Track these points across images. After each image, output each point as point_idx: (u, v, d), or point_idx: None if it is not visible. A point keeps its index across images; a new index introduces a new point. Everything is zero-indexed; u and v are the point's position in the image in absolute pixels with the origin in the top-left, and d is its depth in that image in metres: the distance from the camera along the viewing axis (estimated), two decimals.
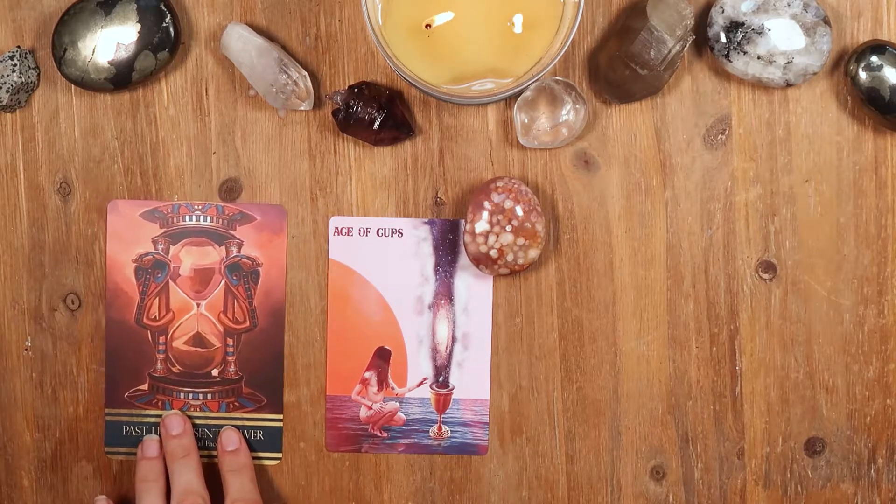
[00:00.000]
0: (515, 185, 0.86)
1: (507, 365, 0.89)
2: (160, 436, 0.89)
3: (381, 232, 0.89)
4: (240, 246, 0.89)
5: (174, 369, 0.89)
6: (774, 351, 0.89)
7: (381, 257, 0.89)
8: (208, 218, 0.89)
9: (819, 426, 0.89)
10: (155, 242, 0.89)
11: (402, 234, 0.89)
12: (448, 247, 0.89)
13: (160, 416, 0.89)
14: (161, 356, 0.89)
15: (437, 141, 0.89)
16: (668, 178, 0.88)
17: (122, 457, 0.90)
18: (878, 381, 0.89)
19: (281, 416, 0.89)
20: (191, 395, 0.89)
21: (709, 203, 0.89)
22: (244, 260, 0.89)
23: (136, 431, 0.89)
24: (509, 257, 0.86)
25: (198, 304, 0.89)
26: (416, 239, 0.89)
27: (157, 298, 0.89)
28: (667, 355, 0.89)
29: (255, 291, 0.89)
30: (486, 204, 0.86)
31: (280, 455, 0.90)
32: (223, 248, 0.89)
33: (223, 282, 0.89)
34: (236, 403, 0.89)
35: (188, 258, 0.89)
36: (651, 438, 0.89)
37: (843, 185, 0.88)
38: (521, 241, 0.86)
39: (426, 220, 0.89)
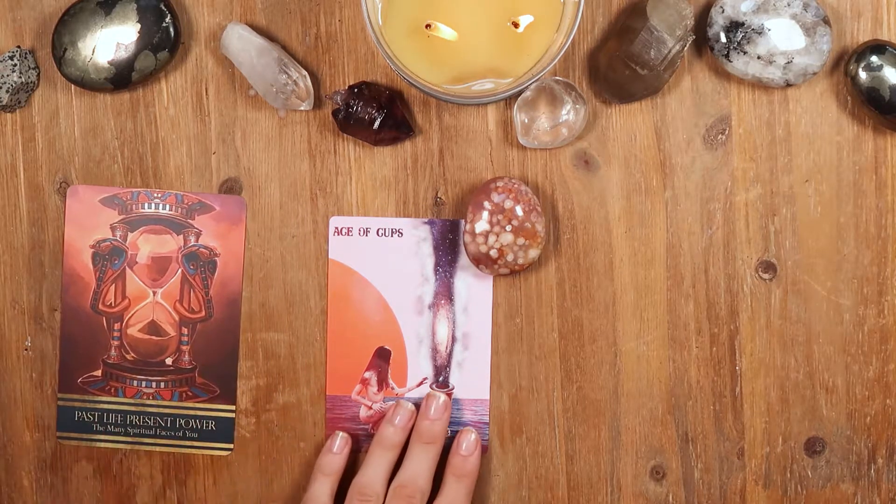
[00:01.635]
0: (515, 185, 0.86)
1: (507, 365, 0.89)
2: (413, 410, 0.88)
3: (381, 232, 0.89)
4: (198, 235, 0.89)
5: (128, 356, 0.89)
6: (774, 351, 0.89)
7: (381, 257, 0.89)
8: (167, 206, 0.89)
9: (819, 426, 0.89)
10: (113, 229, 0.89)
11: (402, 234, 0.89)
12: (448, 247, 0.89)
13: (113, 402, 0.89)
14: (115, 343, 0.89)
15: (437, 141, 0.89)
16: (668, 178, 0.88)
17: (75, 442, 0.89)
18: (878, 381, 0.89)
19: (234, 407, 0.89)
20: (144, 383, 0.89)
21: (709, 203, 0.89)
22: (202, 249, 0.89)
23: (87, 417, 0.89)
24: (509, 257, 0.86)
25: (154, 293, 0.89)
26: (416, 239, 0.89)
27: (114, 285, 0.89)
28: (667, 355, 0.89)
29: (212, 282, 0.89)
30: (486, 204, 0.86)
31: (231, 446, 0.89)
32: (181, 236, 0.89)
33: (180, 271, 0.89)
34: (189, 393, 0.89)
35: (146, 246, 0.89)
36: (651, 438, 0.89)
37: (843, 185, 0.88)
38: (521, 241, 0.86)
39: (426, 220, 0.89)
